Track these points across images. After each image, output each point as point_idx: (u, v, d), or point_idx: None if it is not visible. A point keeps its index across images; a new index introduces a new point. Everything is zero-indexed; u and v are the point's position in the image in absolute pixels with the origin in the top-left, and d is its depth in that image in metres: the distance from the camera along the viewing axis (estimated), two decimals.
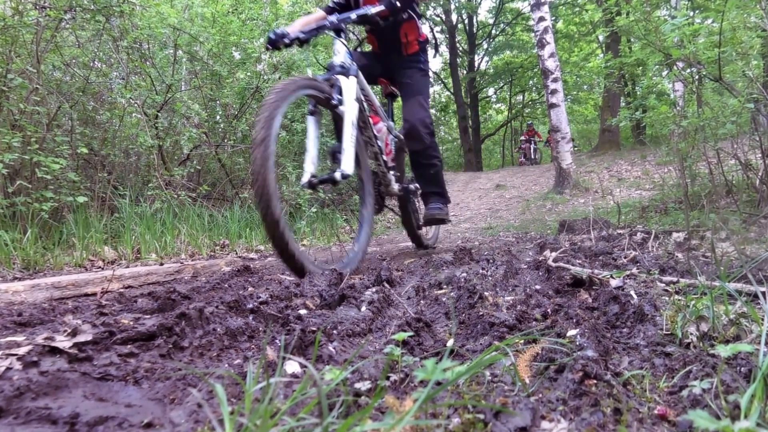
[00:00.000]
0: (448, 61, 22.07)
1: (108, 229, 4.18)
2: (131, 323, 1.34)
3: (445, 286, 2.03)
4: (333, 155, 2.62)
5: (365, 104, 2.97)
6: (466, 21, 22.46)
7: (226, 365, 1.13)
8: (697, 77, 4.40)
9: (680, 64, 4.40)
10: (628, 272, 1.89)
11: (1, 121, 3.95)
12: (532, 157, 20.63)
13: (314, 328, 1.27)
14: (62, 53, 5.12)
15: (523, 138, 21.92)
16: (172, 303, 1.66)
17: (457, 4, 20.47)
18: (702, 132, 4.03)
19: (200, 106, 6.38)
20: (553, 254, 2.65)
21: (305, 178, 2.40)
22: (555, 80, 9.24)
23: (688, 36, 3.65)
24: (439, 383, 0.75)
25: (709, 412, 0.76)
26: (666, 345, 1.10)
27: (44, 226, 3.79)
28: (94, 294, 2.24)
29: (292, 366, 1.06)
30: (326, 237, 6.18)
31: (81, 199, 3.92)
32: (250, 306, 1.53)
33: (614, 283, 1.72)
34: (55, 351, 1.03)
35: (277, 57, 7.07)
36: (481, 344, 1.19)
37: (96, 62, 5.71)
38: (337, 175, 2.43)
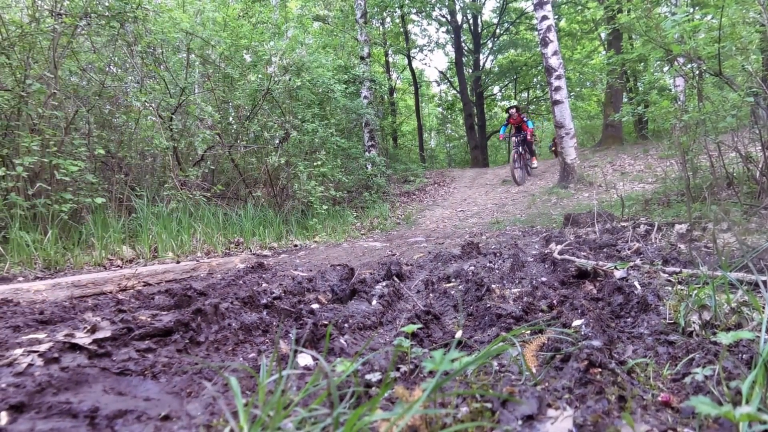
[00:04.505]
0: (454, 61, 21.87)
1: (126, 228, 4.25)
2: (149, 320, 1.38)
3: (453, 280, 2.04)
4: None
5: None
6: (471, 21, 22.32)
7: (241, 359, 1.16)
8: (697, 72, 4.37)
9: (681, 60, 4.37)
10: (631, 263, 1.89)
11: (21, 125, 4.03)
12: (523, 164, 11.15)
13: (326, 322, 1.30)
14: (78, 59, 5.21)
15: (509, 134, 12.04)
16: (188, 299, 1.69)
17: (462, 5, 20.32)
18: (703, 126, 4.01)
19: (213, 108, 6.45)
20: (559, 247, 2.65)
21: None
22: (558, 77, 9.20)
23: (688, 32, 3.64)
24: (447, 373, 0.76)
25: (711, 398, 0.77)
26: (669, 334, 1.10)
27: (64, 226, 3.87)
28: (113, 292, 2.29)
29: (305, 359, 1.09)
30: (337, 234, 6.22)
31: (99, 200, 3.99)
32: (264, 301, 1.57)
33: (618, 274, 1.72)
34: (75, 347, 1.07)
35: (287, 59, 7.12)
36: (488, 335, 1.20)
37: (111, 67, 5.81)
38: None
